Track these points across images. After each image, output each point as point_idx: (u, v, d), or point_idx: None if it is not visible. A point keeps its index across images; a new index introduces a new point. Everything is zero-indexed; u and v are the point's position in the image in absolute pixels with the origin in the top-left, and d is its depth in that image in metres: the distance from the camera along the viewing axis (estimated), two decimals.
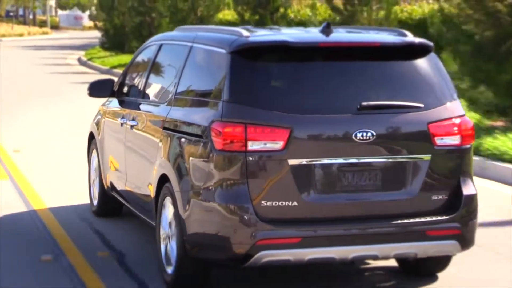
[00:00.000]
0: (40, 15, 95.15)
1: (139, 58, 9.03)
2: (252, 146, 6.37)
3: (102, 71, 30.83)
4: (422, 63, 6.88)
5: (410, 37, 7.04)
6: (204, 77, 7.12)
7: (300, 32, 7.51)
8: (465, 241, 6.73)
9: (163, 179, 7.25)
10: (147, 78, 8.43)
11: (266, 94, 6.52)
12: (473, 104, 14.25)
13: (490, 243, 8.19)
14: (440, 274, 7.37)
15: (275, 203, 6.38)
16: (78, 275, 7.45)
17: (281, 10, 27.25)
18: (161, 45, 8.45)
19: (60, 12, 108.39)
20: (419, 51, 6.93)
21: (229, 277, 7.38)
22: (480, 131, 12.83)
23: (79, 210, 9.88)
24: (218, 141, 6.44)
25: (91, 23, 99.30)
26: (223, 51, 6.78)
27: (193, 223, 6.66)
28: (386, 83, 6.74)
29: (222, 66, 6.71)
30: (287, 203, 6.38)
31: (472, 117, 12.87)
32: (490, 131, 13.18)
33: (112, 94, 9.25)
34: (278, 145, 6.38)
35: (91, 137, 10.04)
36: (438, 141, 6.65)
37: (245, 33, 6.89)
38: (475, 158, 10.74)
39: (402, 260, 7.34)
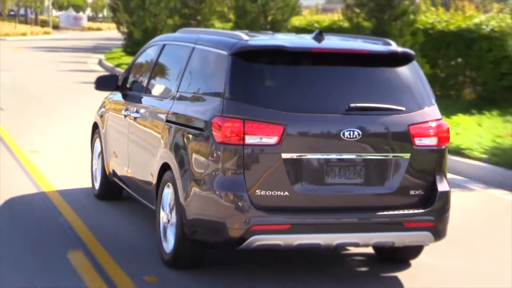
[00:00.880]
0: (39, 15, 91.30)
1: (142, 56, 8.97)
2: (249, 140, 6.35)
3: None
4: (404, 70, 6.88)
5: (394, 46, 7.04)
6: (206, 75, 7.08)
7: (295, 38, 7.49)
8: (438, 233, 6.73)
9: (164, 168, 7.21)
10: (151, 74, 8.38)
11: (263, 93, 6.50)
12: None
13: (456, 235, 8.20)
14: (412, 261, 7.38)
15: (268, 193, 6.36)
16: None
17: (410, 16, 18.47)
18: (164, 45, 8.40)
19: (59, 12, 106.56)
20: (402, 59, 6.93)
21: (222, 257, 7.35)
22: None
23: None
24: (218, 135, 6.41)
25: (90, 24, 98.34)
26: (224, 53, 6.75)
27: (192, 209, 6.62)
28: (372, 87, 6.73)
29: (223, 66, 6.68)
30: (279, 193, 6.37)
31: None
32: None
33: (116, 88, 9.21)
34: (273, 140, 6.36)
35: (95, 127, 9.97)
36: (417, 141, 6.65)
37: (244, 37, 6.86)
38: None
39: (378, 248, 7.34)
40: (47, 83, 24.43)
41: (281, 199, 6.38)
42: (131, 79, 9.04)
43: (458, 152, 11.99)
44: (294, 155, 6.39)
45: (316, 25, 24.28)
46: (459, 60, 18.14)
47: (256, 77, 6.56)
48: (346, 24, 21.06)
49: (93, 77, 10.16)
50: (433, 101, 6.89)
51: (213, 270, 7.02)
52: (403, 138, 6.61)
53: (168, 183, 7.10)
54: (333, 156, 6.47)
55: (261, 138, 6.35)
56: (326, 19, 26.11)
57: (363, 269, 7.35)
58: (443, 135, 6.77)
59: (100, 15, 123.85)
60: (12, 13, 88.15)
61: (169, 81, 7.89)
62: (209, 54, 7.11)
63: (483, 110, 15.33)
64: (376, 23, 18.73)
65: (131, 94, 8.82)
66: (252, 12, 24.64)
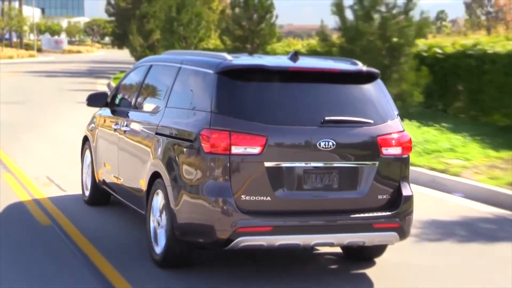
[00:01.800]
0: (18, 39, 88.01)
1: (130, 76, 8.93)
2: (235, 150, 6.32)
3: None
4: (370, 87, 6.92)
5: (360, 66, 7.08)
6: (193, 92, 7.03)
7: (274, 59, 7.48)
8: (403, 233, 6.75)
9: (154, 176, 7.15)
10: (139, 92, 8.32)
11: (246, 108, 6.47)
12: None
13: (416, 233, 8.24)
14: (376, 259, 7.39)
15: (252, 198, 6.33)
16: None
17: None
18: (150, 66, 8.36)
19: (41, 36, 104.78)
20: (368, 77, 6.96)
21: (209, 256, 7.29)
22: None
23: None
24: (206, 145, 6.37)
25: (70, 47, 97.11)
26: (210, 71, 6.73)
27: (183, 213, 6.57)
28: (344, 102, 6.74)
29: (210, 84, 6.65)
30: (262, 198, 6.34)
31: None
32: None
33: (105, 104, 9.16)
34: (256, 150, 6.33)
35: (85, 140, 9.91)
36: (384, 151, 6.67)
37: (228, 57, 6.85)
38: None
39: (346, 247, 7.33)
40: (72, 123, 18.17)
41: (264, 204, 6.35)
42: (119, 96, 8.99)
43: None
44: (275, 164, 6.37)
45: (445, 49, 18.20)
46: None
47: (240, 93, 6.54)
48: None
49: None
50: (396, 114, 6.93)
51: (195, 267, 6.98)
52: (372, 148, 6.63)
53: (158, 190, 7.04)
54: (311, 164, 6.46)
55: (245, 148, 6.33)
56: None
57: (333, 266, 7.32)
58: (406, 145, 6.81)
59: (75, 39, 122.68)
60: None
61: (157, 97, 7.83)
62: (195, 73, 7.07)
63: None
64: None
65: (119, 110, 8.77)
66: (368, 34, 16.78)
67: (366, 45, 16.61)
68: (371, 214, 6.58)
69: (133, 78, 8.75)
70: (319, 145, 6.43)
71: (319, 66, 7.12)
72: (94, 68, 47.21)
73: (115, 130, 8.59)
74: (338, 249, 7.51)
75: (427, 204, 9.96)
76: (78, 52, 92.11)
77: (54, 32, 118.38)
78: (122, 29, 57.02)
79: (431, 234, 8.52)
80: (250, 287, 6.54)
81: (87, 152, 9.73)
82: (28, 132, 16.46)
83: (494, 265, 7.49)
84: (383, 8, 17.03)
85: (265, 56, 7.77)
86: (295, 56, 6.98)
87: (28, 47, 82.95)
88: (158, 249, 7.00)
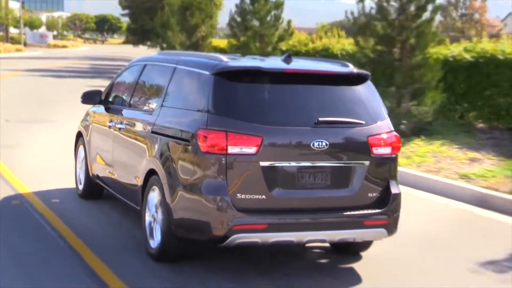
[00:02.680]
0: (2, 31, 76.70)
1: (124, 75, 8.46)
2: (231, 150, 5.88)
3: None
4: (361, 88, 6.52)
5: (351, 68, 6.69)
6: (189, 92, 6.58)
7: (269, 60, 7.05)
8: (391, 229, 6.38)
9: (150, 173, 6.70)
10: (133, 90, 7.86)
11: (242, 108, 6.04)
12: None
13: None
14: (363, 253, 7.03)
15: (248, 196, 5.90)
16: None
17: None
18: (145, 65, 7.89)
19: (27, 30, 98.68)
20: (359, 79, 6.56)
21: (201, 252, 6.85)
22: None
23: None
24: (203, 145, 5.94)
25: (55, 41, 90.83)
26: (207, 72, 6.28)
27: (179, 210, 6.13)
28: (336, 104, 6.33)
29: (206, 85, 6.21)
30: (257, 196, 5.92)
31: None
32: None
33: (99, 102, 8.70)
34: (252, 149, 5.90)
35: (79, 135, 9.43)
36: (375, 150, 6.28)
37: (224, 59, 6.42)
38: None
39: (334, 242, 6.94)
40: None
41: (259, 202, 5.93)
42: (113, 94, 8.52)
43: None
44: (270, 163, 5.95)
45: None
46: None
47: (236, 94, 6.11)
48: None
49: None
50: (386, 115, 6.55)
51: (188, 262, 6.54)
52: (363, 148, 6.23)
53: (154, 186, 6.59)
54: (304, 163, 6.05)
55: (241, 148, 5.90)
56: None
57: (323, 260, 6.93)
58: (395, 145, 6.44)
59: (55, 33, 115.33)
60: None
61: (152, 96, 7.37)
62: (191, 73, 6.62)
63: None
64: None
65: (113, 107, 8.31)
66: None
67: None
68: (361, 212, 6.19)
69: (127, 77, 8.28)
70: (313, 145, 6.02)
71: (315, 69, 6.70)
72: (98, 67, 42.39)
73: (109, 127, 8.12)
74: (325, 244, 7.10)
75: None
76: (64, 46, 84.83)
77: (34, 26, 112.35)
78: (138, 23, 48.94)
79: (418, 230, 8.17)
80: (240, 280, 6.12)
81: (81, 148, 9.27)
82: None
83: (479, 259, 7.15)
84: None
85: (260, 58, 7.33)
86: (288, 58, 6.57)
87: (13, 41, 74.12)
88: (154, 243, 6.57)
